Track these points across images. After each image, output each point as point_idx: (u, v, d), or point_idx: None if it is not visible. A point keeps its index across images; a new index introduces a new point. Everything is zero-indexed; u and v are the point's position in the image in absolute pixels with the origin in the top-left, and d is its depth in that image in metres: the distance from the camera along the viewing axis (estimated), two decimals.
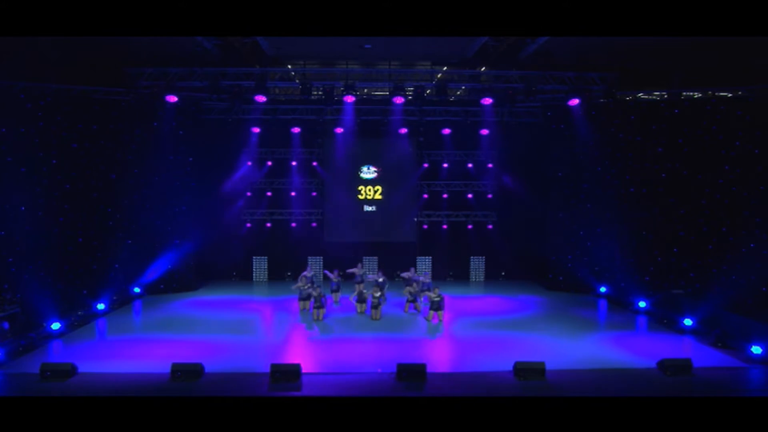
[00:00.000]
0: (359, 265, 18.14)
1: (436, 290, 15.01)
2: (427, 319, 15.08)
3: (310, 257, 21.55)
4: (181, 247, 19.12)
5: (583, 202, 19.13)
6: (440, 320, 14.82)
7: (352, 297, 16.03)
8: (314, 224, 21.95)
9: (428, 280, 17.02)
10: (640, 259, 18.05)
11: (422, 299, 16.12)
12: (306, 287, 15.78)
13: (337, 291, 17.23)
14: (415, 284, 16.75)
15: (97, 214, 17.65)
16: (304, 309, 15.75)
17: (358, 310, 15.90)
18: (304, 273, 16.88)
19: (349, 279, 17.94)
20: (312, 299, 15.33)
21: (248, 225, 21.74)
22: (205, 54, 16.95)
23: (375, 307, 15.23)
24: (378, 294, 15.29)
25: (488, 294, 19.92)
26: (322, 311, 15.13)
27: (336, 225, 22.03)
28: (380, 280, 16.67)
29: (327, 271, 17.22)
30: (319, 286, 15.76)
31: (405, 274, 18.27)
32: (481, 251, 22.43)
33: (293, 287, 16.16)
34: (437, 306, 14.78)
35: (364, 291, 16.07)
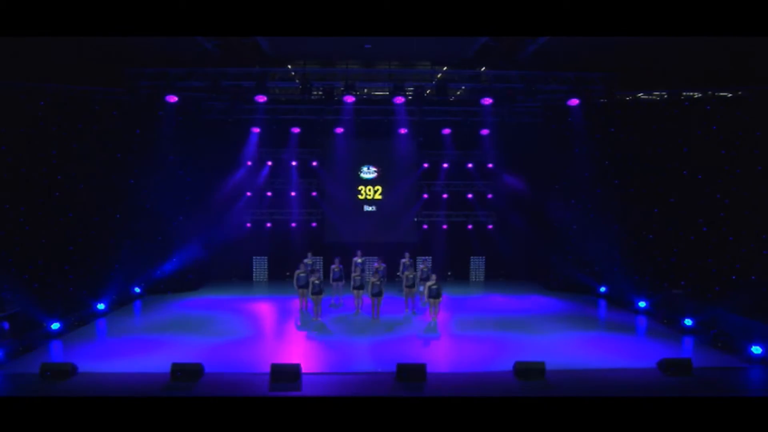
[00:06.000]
0: (358, 252, 18.15)
1: (433, 276, 14.63)
2: (429, 317, 15.01)
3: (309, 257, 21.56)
4: (181, 247, 19.13)
5: (583, 202, 19.13)
6: (437, 312, 14.58)
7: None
8: (314, 224, 21.98)
9: (426, 268, 16.90)
10: (640, 259, 18.04)
11: (420, 288, 16.08)
12: (305, 273, 15.67)
13: (339, 280, 17.12)
14: (409, 272, 16.55)
15: (97, 214, 17.64)
16: (303, 296, 15.57)
17: (356, 296, 15.80)
18: (305, 260, 16.86)
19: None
20: (311, 285, 14.96)
21: (248, 225, 21.74)
22: (205, 54, 16.93)
23: (375, 295, 15.03)
24: (376, 280, 15.13)
25: (488, 294, 19.92)
26: (320, 297, 14.95)
27: (336, 225, 22.03)
28: (377, 266, 16.74)
29: (333, 265, 17.20)
30: (318, 270, 15.60)
31: (403, 261, 18.07)
32: (481, 251, 22.45)
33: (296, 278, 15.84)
34: (435, 294, 14.28)
35: (361, 277, 15.98)
